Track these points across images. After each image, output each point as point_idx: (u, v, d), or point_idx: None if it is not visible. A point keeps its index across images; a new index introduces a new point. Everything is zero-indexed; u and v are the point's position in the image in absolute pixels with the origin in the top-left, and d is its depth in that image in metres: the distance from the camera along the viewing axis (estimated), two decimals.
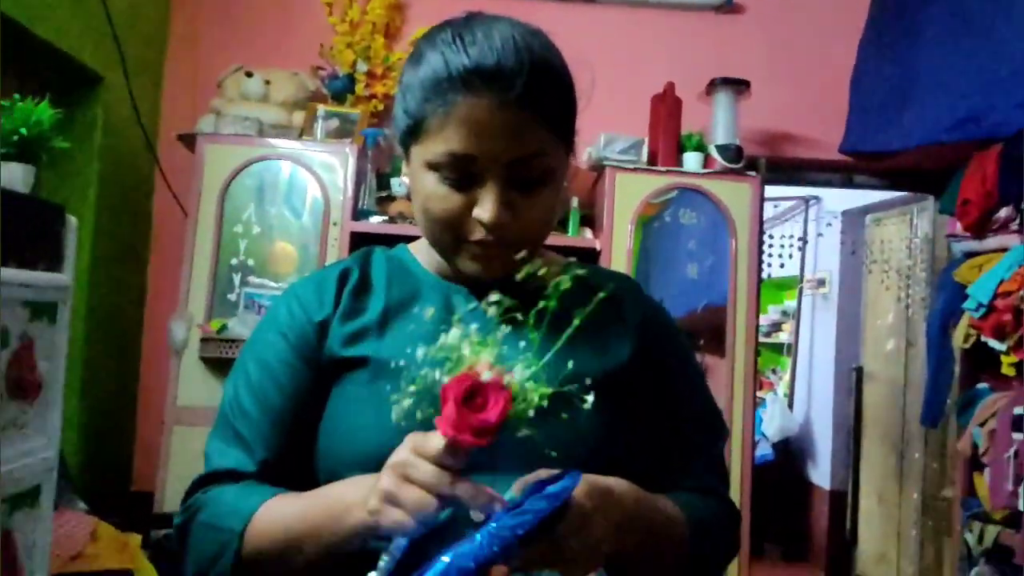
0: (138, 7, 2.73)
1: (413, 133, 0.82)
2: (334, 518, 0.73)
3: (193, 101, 2.87)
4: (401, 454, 0.68)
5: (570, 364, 0.70)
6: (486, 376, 0.66)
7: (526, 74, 0.77)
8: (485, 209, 0.78)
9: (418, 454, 0.67)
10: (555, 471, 0.69)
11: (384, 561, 0.68)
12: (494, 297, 0.72)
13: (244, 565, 0.77)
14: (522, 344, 0.70)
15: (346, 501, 0.72)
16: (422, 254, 0.93)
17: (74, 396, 2.46)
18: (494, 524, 0.63)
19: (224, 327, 2.48)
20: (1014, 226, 2.44)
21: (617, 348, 0.89)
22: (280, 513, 0.77)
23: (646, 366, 0.90)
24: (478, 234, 0.80)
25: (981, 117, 2.47)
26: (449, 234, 0.82)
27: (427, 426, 0.67)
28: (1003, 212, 2.45)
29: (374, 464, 0.71)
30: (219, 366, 2.49)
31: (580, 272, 0.74)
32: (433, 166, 0.80)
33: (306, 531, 0.75)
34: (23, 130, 1.49)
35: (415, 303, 0.87)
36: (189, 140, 2.63)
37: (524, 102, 0.77)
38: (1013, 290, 2.22)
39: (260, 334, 0.90)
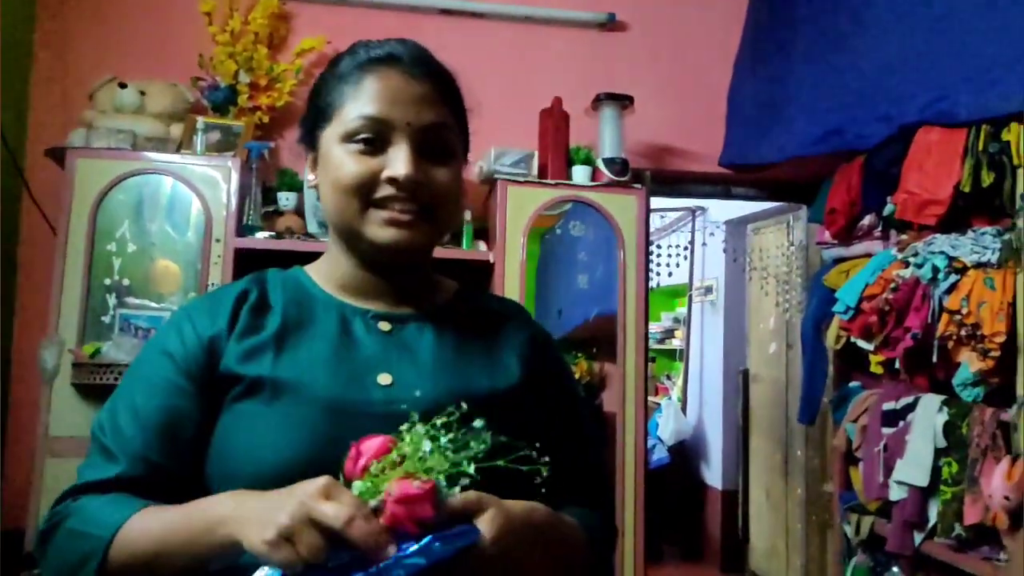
0: None
1: (325, 116, 0.88)
2: (208, 530, 0.71)
3: (64, 113, 2.72)
4: (310, 495, 0.65)
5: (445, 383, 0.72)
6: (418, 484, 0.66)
7: (432, 63, 0.90)
8: (397, 166, 0.84)
9: (328, 498, 0.65)
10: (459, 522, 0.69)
11: None
12: (385, 326, 0.79)
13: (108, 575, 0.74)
14: (412, 362, 0.73)
15: (222, 514, 0.70)
16: (319, 273, 0.94)
17: None
18: (384, 564, 0.63)
19: (98, 351, 2.35)
20: (877, 233, 2.60)
21: (506, 370, 0.91)
22: (151, 524, 0.74)
23: (533, 387, 0.92)
24: (387, 190, 0.84)
25: (844, 131, 2.63)
26: (359, 199, 0.85)
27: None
28: (866, 220, 2.61)
29: (270, 483, 0.71)
30: (93, 393, 2.36)
31: (469, 294, 0.75)
32: (347, 136, 0.85)
33: (178, 543, 0.72)
34: None
35: (311, 322, 0.88)
36: (58, 155, 2.48)
37: (431, 80, 0.88)
38: (877, 293, 2.37)
39: (145, 355, 0.89)
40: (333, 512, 0.63)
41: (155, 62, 2.79)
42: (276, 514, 0.65)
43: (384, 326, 0.89)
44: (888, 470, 2.35)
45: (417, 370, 0.83)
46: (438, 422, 0.69)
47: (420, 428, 0.69)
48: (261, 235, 2.57)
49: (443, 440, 0.68)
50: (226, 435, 0.82)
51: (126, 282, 2.44)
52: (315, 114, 0.90)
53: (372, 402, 0.82)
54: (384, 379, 0.84)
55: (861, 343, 2.49)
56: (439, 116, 0.87)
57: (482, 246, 2.79)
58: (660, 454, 5.03)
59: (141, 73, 2.68)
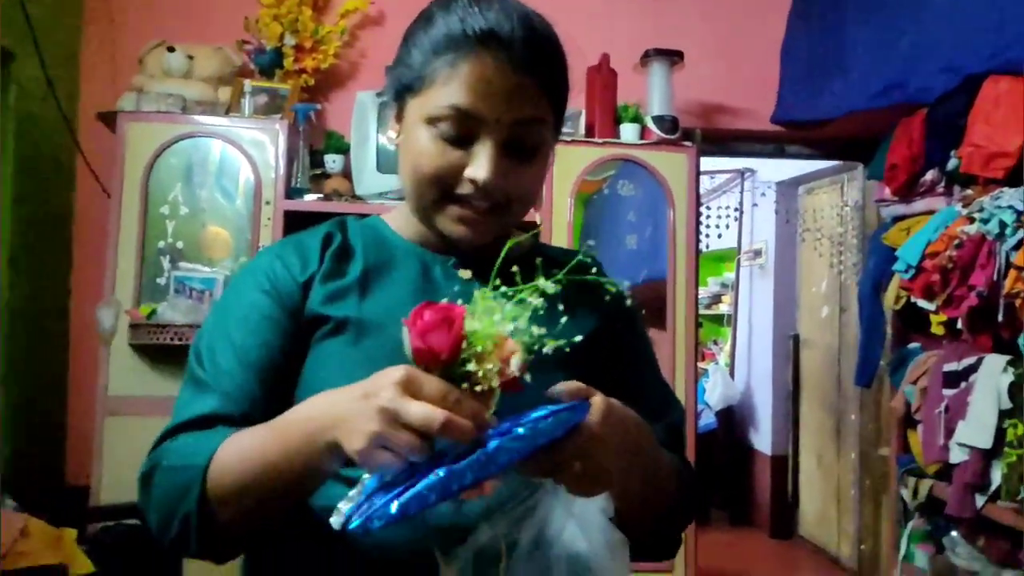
0: None
1: (414, 87, 0.83)
2: (308, 439, 0.69)
3: (113, 79, 2.75)
4: (391, 396, 0.63)
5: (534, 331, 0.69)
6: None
7: (536, 44, 0.81)
8: (480, 168, 0.80)
9: (412, 394, 0.63)
10: (571, 389, 0.69)
11: (358, 489, 0.66)
12: (465, 273, 0.77)
13: (211, 503, 0.72)
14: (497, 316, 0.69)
15: (316, 423, 0.69)
16: (396, 223, 0.93)
17: None
18: (494, 444, 0.61)
19: (154, 312, 2.39)
20: (940, 188, 2.51)
21: (583, 321, 0.89)
22: (245, 444, 0.73)
23: (609, 342, 0.91)
24: (466, 189, 0.81)
25: (905, 83, 2.53)
26: (436, 191, 0.82)
27: None
28: (929, 175, 2.52)
29: None
30: (150, 353, 2.41)
31: (546, 248, 0.74)
32: (432, 120, 0.81)
33: (279, 455, 0.70)
34: None
35: (392, 268, 0.88)
36: (110, 119, 2.51)
37: (531, 69, 0.80)
38: (940, 251, 2.28)
39: (238, 293, 0.87)
40: (421, 414, 0.61)
41: (202, 26, 2.80)
42: (363, 422, 0.63)
43: (465, 273, 0.88)
44: (949, 432, 2.29)
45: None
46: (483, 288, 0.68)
47: (486, 299, 0.67)
48: (309, 197, 2.58)
49: (509, 306, 0.67)
50: (313, 373, 0.82)
51: (180, 245, 2.48)
52: (404, 75, 0.85)
53: None
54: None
55: (922, 303, 2.41)
56: (533, 111, 0.81)
57: None
58: (707, 419, 4.99)
59: (189, 37, 2.69)
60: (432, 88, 0.80)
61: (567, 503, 0.70)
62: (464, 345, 0.65)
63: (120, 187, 2.45)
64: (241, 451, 0.73)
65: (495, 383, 0.64)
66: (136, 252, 2.43)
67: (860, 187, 3.70)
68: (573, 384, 0.69)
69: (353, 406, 0.65)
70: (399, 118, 0.87)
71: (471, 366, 0.64)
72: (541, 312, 0.69)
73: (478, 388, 0.64)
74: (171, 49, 2.60)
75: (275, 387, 0.82)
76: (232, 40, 2.74)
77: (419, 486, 0.60)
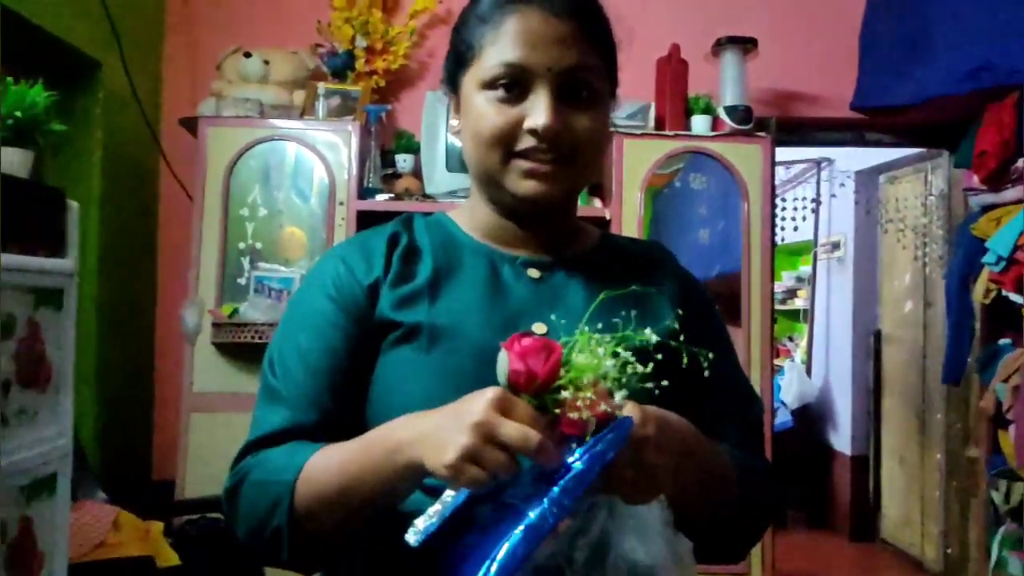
0: None
1: (465, 60, 0.85)
2: (389, 455, 0.70)
3: (193, 84, 2.85)
4: (486, 413, 0.65)
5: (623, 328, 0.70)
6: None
7: None
8: (537, 116, 0.80)
9: (507, 414, 0.65)
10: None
11: (437, 508, 0.66)
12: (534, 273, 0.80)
13: (299, 519, 0.75)
14: (565, 311, 0.72)
15: (401, 439, 0.70)
16: (463, 219, 0.93)
17: (89, 386, 2.46)
18: (558, 489, 0.63)
19: (235, 311, 2.47)
20: None
21: (662, 315, 0.88)
22: (332, 459, 0.75)
23: (687, 332, 0.88)
24: (528, 142, 0.81)
25: (996, 66, 2.40)
26: (500, 150, 0.83)
27: None
28: (1021, 163, 2.40)
29: None
30: (232, 351, 2.49)
31: (615, 238, 0.73)
32: (486, 83, 0.83)
33: (360, 474, 0.72)
34: (18, 113, 1.47)
35: (461, 269, 0.87)
36: (191, 124, 2.60)
37: (574, 16, 0.83)
38: None
39: (304, 299, 0.89)
40: (518, 432, 0.63)
41: (277, 31, 2.86)
42: (454, 435, 0.64)
43: (534, 273, 0.87)
44: None
45: (570, 318, 0.79)
46: (597, 337, 0.68)
47: (588, 336, 0.68)
48: (381, 197, 2.61)
49: (606, 348, 0.67)
50: (384, 381, 0.83)
51: (259, 246, 2.55)
52: (456, 56, 0.88)
53: None
54: (539, 328, 0.82)
55: (1014, 296, 2.30)
56: (581, 58, 0.82)
57: (597, 202, 2.74)
58: (783, 418, 4.86)
59: (264, 42, 2.76)
60: (482, 53, 0.83)
61: (623, 516, 0.69)
62: (561, 373, 0.66)
63: (202, 190, 2.53)
64: (328, 467, 0.75)
65: (587, 415, 0.64)
66: (218, 253, 2.51)
67: (946, 175, 3.53)
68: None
69: (444, 422, 0.67)
70: (457, 105, 0.88)
71: (566, 393, 0.65)
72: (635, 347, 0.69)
73: (574, 415, 0.64)
74: (248, 55, 2.67)
75: (345, 392, 0.82)
76: (306, 44, 2.80)
77: (506, 553, 0.62)
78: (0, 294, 1.36)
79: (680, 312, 0.88)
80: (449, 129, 0.92)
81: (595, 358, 0.66)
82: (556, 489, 0.63)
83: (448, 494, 0.66)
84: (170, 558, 2.09)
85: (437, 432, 0.67)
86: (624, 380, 0.67)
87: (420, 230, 0.91)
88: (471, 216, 0.92)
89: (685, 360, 0.74)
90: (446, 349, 0.81)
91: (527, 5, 0.82)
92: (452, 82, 0.89)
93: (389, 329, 0.83)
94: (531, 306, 0.85)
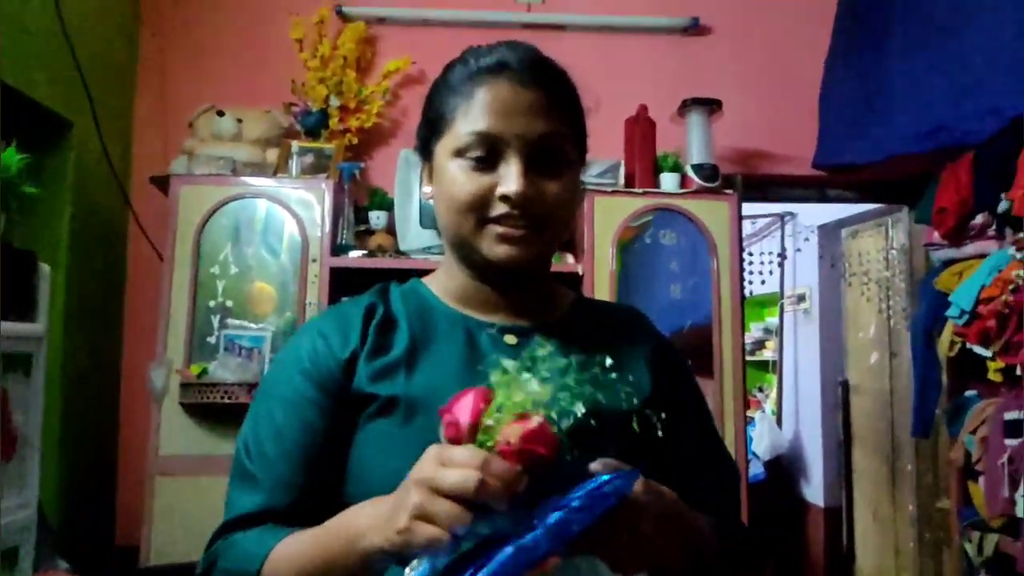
0: (105, 49, 2.70)
1: (438, 129, 0.88)
2: (348, 544, 0.70)
3: (165, 143, 2.84)
4: (425, 469, 0.64)
5: (600, 397, 0.69)
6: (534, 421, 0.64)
7: (544, 67, 0.88)
8: (509, 183, 0.82)
9: (444, 464, 0.63)
10: (610, 466, 0.68)
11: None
12: (511, 339, 0.79)
13: None
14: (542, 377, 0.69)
15: (359, 526, 0.69)
16: (438, 286, 0.93)
17: (52, 450, 2.38)
18: (554, 517, 0.61)
19: (205, 371, 2.42)
20: (991, 232, 2.46)
21: (636, 381, 0.88)
22: (294, 549, 0.75)
23: (663, 398, 0.89)
24: (500, 208, 0.83)
25: (951, 126, 2.50)
26: (473, 216, 0.84)
27: None
28: (979, 218, 2.47)
29: None
30: (200, 412, 2.43)
31: (591, 302, 0.73)
32: (459, 151, 0.84)
33: (321, 564, 0.72)
34: None
35: (438, 340, 0.88)
36: (162, 182, 2.59)
37: (543, 86, 0.85)
38: (995, 295, 2.23)
39: (279, 374, 0.88)
40: (455, 475, 0.61)
41: (250, 90, 2.88)
42: (401, 501, 0.64)
43: (510, 339, 0.87)
44: (1014, 484, 2.20)
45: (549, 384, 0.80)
46: (528, 353, 0.67)
47: (509, 363, 0.67)
48: (354, 254, 2.61)
49: (541, 372, 0.66)
50: (362, 455, 0.82)
51: (229, 303, 2.52)
52: (429, 125, 0.90)
53: None
54: (495, 375, 0.82)
55: (978, 349, 2.35)
56: (551, 125, 0.84)
57: (569, 258, 2.76)
58: (755, 469, 4.85)
59: (237, 101, 2.77)
60: (454, 123, 0.85)
61: None
62: (486, 414, 0.65)
63: (172, 248, 2.50)
64: (290, 557, 0.74)
65: (514, 438, 0.63)
66: (187, 312, 2.47)
67: (906, 229, 3.64)
68: (612, 461, 0.68)
69: (394, 501, 0.66)
70: (431, 173, 0.90)
71: (495, 433, 0.64)
72: (584, 375, 0.68)
73: (504, 440, 0.63)
74: (220, 113, 2.68)
75: (321, 470, 0.82)
76: (279, 103, 2.82)
77: (493, 564, 0.58)
78: None
79: (656, 377, 0.90)
80: (422, 196, 0.93)
81: (520, 391, 0.65)
82: (553, 517, 0.61)
83: (415, 563, 0.65)
84: None
85: (387, 509, 0.66)
86: (558, 405, 0.65)
87: (396, 300, 0.92)
88: (446, 282, 0.92)
89: (659, 430, 0.74)
90: (423, 422, 0.80)
91: (497, 76, 0.84)
92: (425, 150, 0.90)
93: (366, 403, 0.83)
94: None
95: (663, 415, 0.86)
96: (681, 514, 0.74)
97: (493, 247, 0.84)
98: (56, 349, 2.40)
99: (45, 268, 1.58)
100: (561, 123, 0.86)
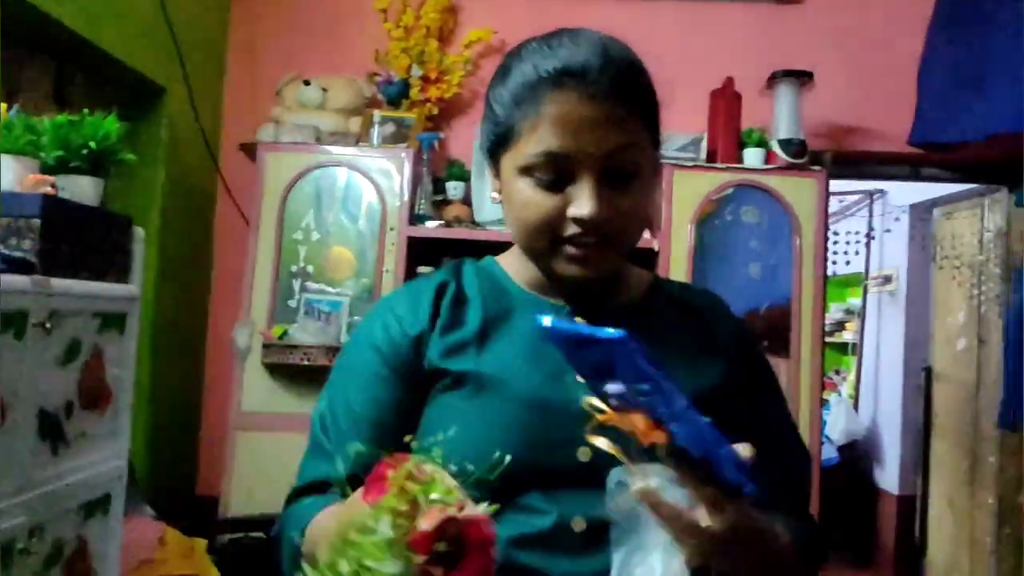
0: (198, 19, 2.78)
1: (504, 142, 0.84)
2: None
3: (253, 110, 2.91)
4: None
5: None
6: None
7: (612, 69, 0.79)
8: (582, 205, 0.79)
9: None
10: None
11: None
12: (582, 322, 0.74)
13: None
14: None
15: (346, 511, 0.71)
16: (512, 267, 0.93)
17: (141, 403, 2.51)
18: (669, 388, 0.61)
19: (285, 333, 2.50)
20: None
21: (708, 369, 0.87)
22: (323, 521, 0.78)
23: (736, 387, 0.88)
24: (573, 229, 0.80)
25: None
26: (545, 238, 0.82)
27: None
28: None
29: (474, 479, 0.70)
30: (281, 372, 2.52)
31: (667, 284, 0.72)
32: (526, 170, 0.81)
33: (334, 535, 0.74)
34: (92, 144, 1.51)
35: (510, 319, 0.88)
36: (250, 149, 2.66)
37: (612, 95, 0.78)
38: None
39: (353, 349, 0.91)
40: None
41: (335, 59, 2.92)
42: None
43: (581, 322, 0.87)
44: None
45: None
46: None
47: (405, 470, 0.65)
48: (431, 224, 2.63)
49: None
50: (431, 425, 0.83)
51: (310, 268, 2.59)
52: (493, 133, 0.86)
53: (574, 400, 0.80)
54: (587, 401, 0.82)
55: None
56: (622, 137, 0.79)
57: (646, 234, 2.72)
58: (828, 453, 4.75)
59: (323, 70, 2.82)
60: (520, 139, 0.81)
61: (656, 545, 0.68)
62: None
63: (258, 214, 2.58)
64: (320, 528, 0.78)
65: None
66: (271, 275, 2.56)
67: (1004, 212, 3.45)
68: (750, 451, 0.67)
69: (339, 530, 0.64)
70: (496, 173, 0.87)
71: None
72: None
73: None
74: (307, 82, 2.73)
75: (390, 443, 0.80)
76: (364, 72, 2.85)
77: (576, 328, 0.62)
78: (66, 319, 1.40)
79: (730, 364, 0.88)
80: (491, 196, 0.91)
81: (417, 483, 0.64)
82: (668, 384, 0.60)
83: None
84: None
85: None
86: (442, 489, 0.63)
87: (469, 277, 0.92)
88: (520, 262, 0.92)
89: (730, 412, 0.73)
90: (493, 397, 0.81)
91: (563, 89, 0.78)
92: (490, 153, 0.88)
93: (438, 377, 0.85)
94: None
95: (732, 401, 0.85)
96: (768, 542, 0.72)
97: (566, 266, 0.83)
98: (147, 308, 2.52)
99: (140, 231, 1.65)
100: (635, 131, 0.81)
